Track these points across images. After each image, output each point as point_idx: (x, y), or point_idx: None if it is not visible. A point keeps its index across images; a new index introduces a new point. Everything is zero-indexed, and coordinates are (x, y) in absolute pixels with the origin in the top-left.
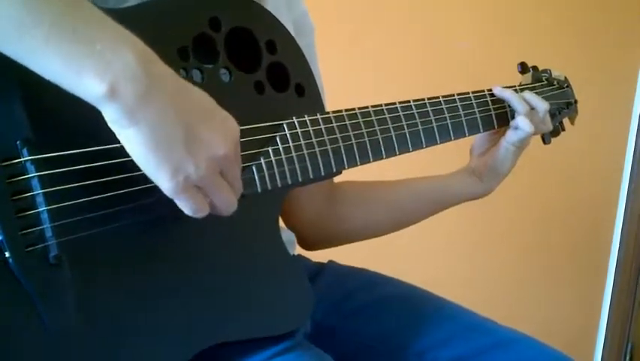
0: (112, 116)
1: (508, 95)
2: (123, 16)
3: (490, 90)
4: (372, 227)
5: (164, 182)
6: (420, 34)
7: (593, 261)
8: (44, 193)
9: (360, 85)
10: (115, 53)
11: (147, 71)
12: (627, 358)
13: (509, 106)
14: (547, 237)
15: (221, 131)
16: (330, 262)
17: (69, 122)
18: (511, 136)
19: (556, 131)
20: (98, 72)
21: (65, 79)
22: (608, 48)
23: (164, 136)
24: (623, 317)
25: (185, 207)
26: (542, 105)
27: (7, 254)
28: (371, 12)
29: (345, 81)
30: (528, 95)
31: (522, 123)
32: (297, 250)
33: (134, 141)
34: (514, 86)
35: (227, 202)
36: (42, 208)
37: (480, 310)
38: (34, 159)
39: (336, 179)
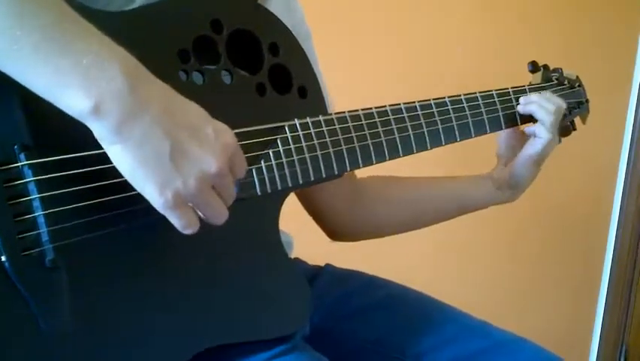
0: (98, 133)
1: (533, 108)
2: (125, 19)
3: (498, 90)
4: (396, 224)
5: (153, 198)
6: (415, 39)
7: (587, 262)
8: (41, 198)
9: (354, 89)
10: (102, 69)
11: (133, 89)
12: (622, 360)
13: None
14: (542, 239)
15: (214, 146)
16: (328, 265)
17: (67, 127)
18: (528, 149)
19: (567, 131)
20: (84, 87)
21: (51, 92)
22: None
23: (150, 153)
24: (617, 319)
25: (175, 222)
26: (562, 104)
27: (3, 258)
28: (368, 16)
29: (339, 85)
30: (547, 98)
31: (539, 131)
32: (295, 253)
33: (120, 157)
34: (524, 87)
35: (218, 215)
36: (39, 213)
37: (474, 312)
38: (31, 163)
39: (362, 173)
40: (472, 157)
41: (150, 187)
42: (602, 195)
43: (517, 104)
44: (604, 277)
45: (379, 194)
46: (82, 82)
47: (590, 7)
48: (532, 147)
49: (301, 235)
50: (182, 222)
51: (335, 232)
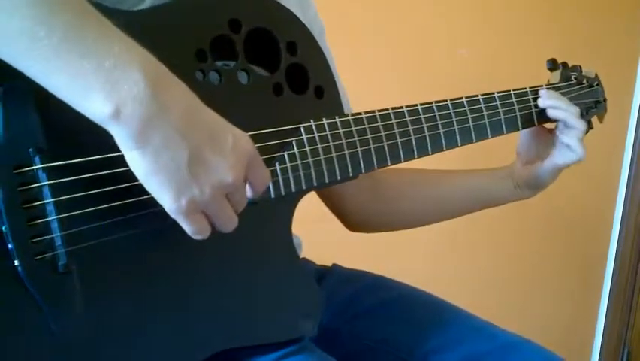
0: (117, 137)
1: (564, 115)
2: (140, 19)
3: (516, 90)
4: (414, 220)
5: (167, 204)
6: (419, 41)
7: (590, 265)
8: (55, 202)
9: (358, 91)
10: (124, 73)
11: (155, 95)
12: None
13: (535, 106)
14: (545, 241)
15: (232, 155)
16: (335, 265)
17: (82, 130)
18: (558, 158)
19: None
20: (105, 91)
21: (71, 94)
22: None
23: (168, 160)
24: (620, 321)
25: (187, 228)
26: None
27: (16, 262)
28: (371, 18)
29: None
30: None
31: (574, 145)
32: (302, 254)
33: (138, 163)
34: (542, 86)
35: (228, 224)
36: (52, 217)
37: (478, 313)
38: (46, 167)
39: None
40: (474, 157)
41: (165, 193)
42: (605, 198)
43: (535, 104)
44: (606, 279)
45: (402, 190)
46: (103, 85)
47: (590, 8)
48: (563, 158)
49: (306, 234)
50: (193, 228)
51: (353, 225)
